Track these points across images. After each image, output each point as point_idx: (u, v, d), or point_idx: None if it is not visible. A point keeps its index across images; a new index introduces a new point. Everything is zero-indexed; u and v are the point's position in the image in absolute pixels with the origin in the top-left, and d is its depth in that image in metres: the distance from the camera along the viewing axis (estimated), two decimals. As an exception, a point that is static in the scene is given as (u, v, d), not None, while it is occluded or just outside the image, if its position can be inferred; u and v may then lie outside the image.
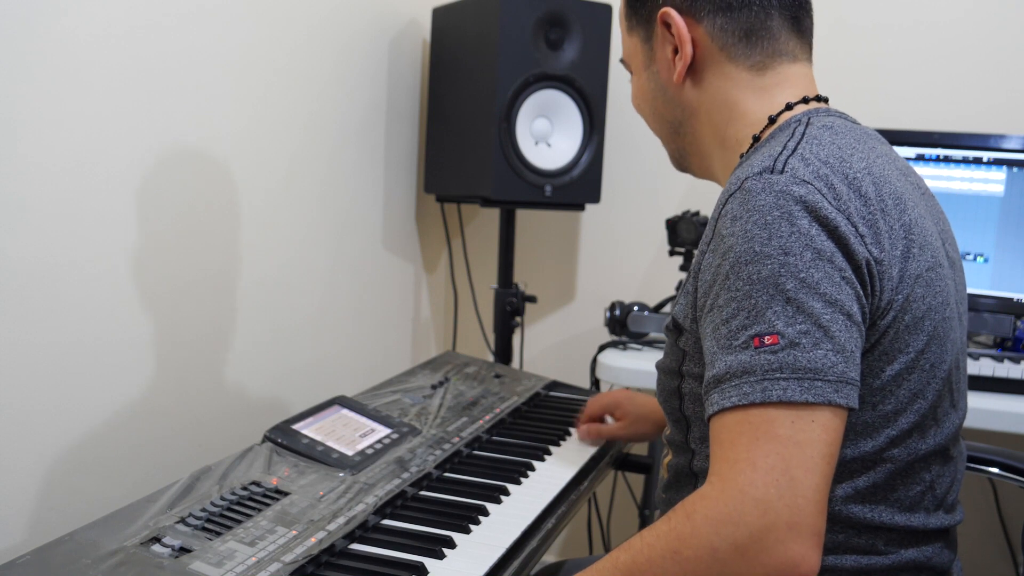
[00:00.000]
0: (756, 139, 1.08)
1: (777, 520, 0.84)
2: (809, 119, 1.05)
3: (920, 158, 2.00)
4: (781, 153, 0.97)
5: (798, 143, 0.99)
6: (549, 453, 1.52)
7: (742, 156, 1.08)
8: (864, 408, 0.98)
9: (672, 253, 2.13)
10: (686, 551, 0.87)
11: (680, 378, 1.09)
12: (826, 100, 1.13)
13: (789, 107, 1.08)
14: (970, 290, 1.93)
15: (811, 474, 0.86)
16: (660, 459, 1.23)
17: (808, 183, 0.93)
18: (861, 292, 0.93)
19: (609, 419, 1.63)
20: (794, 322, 0.89)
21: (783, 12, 1.10)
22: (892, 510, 1.01)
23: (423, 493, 1.33)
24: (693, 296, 1.01)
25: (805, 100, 1.10)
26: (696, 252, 1.02)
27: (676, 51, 1.11)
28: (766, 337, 0.89)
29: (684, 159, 1.22)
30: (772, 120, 1.08)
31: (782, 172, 0.94)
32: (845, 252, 0.92)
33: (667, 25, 1.11)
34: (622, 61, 1.25)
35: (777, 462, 0.86)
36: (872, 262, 0.94)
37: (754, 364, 0.89)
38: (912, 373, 0.99)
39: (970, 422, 1.63)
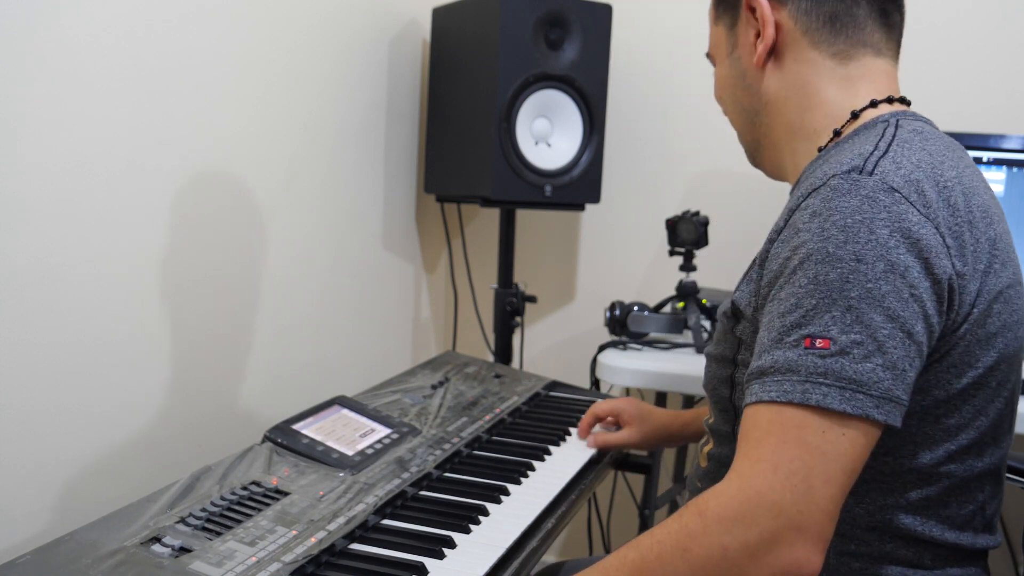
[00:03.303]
0: (837, 133, 1.06)
1: (787, 523, 0.84)
2: (898, 121, 1.02)
3: (920, 158, 2.00)
4: (872, 153, 0.94)
5: (889, 144, 0.96)
6: (549, 453, 1.52)
7: (820, 150, 1.06)
8: (926, 420, 0.96)
9: (672, 253, 2.12)
10: (696, 549, 0.87)
11: (734, 367, 1.07)
12: (909, 103, 1.10)
13: (874, 104, 1.06)
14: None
15: (829, 485, 0.85)
16: (698, 445, 1.22)
17: (896, 191, 0.91)
18: (932, 311, 0.90)
19: (598, 428, 1.61)
20: (850, 331, 0.87)
21: (871, 2, 1.08)
22: (943, 526, 1.00)
23: (423, 493, 1.33)
24: (757, 284, 0.99)
25: (890, 100, 1.07)
26: (764, 242, 1.01)
27: (759, 35, 1.11)
28: (818, 340, 0.88)
29: (758, 152, 1.20)
30: (855, 115, 1.06)
31: (871, 174, 0.92)
32: (925, 266, 0.90)
33: (752, 9, 1.11)
34: (708, 55, 1.24)
35: (799, 468, 0.85)
36: (954, 276, 0.92)
37: (800, 363, 0.88)
38: (980, 390, 0.97)
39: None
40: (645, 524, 2.17)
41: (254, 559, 1.05)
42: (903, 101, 1.09)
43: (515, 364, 2.38)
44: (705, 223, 2.06)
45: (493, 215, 2.52)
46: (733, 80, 1.17)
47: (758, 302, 0.99)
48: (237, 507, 1.16)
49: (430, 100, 2.32)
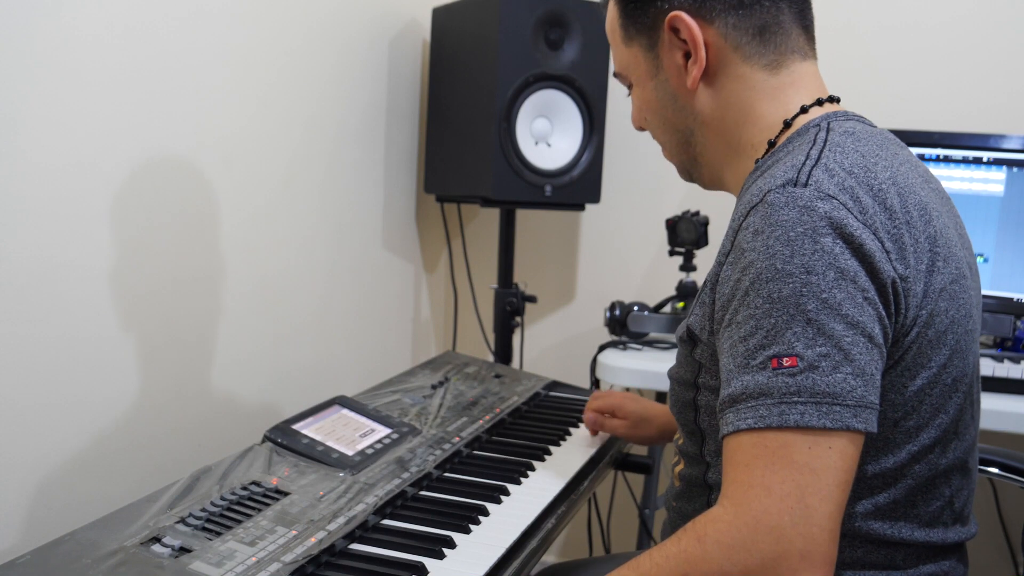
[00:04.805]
0: (772, 144, 1.05)
1: (790, 548, 0.83)
2: (829, 124, 1.01)
3: (920, 158, 2.00)
4: (804, 163, 0.94)
5: (821, 151, 0.96)
6: (549, 453, 1.52)
7: (758, 162, 1.06)
8: (886, 424, 0.96)
9: (672, 253, 2.12)
10: (696, 575, 0.87)
11: (696, 390, 1.07)
12: (838, 100, 1.10)
13: (804, 110, 1.05)
14: (970, 290, 1.94)
15: (825, 502, 0.85)
16: (670, 465, 1.22)
17: (833, 197, 0.90)
18: (883, 313, 0.91)
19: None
20: (814, 344, 0.87)
21: (791, 6, 1.07)
22: (912, 526, 1.00)
23: (423, 493, 1.33)
24: (710, 308, 0.99)
25: (819, 102, 1.06)
26: (713, 263, 1.00)
27: (687, 56, 1.07)
28: (785, 359, 0.88)
29: (694, 170, 1.17)
30: (787, 124, 1.05)
31: (806, 185, 0.91)
32: (869, 271, 0.90)
33: (675, 30, 1.06)
34: (617, 74, 1.18)
35: (792, 489, 0.85)
36: (897, 280, 0.91)
37: (771, 386, 0.88)
38: (935, 388, 0.97)
39: (970, 422, 1.64)
40: (645, 524, 2.17)
41: (254, 559, 1.05)
42: (832, 100, 1.09)
43: (515, 364, 2.38)
44: (705, 223, 2.06)
45: (493, 215, 2.52)
46: (662, 103, 1.13)
47: (713, 326, 0.98)
48: (237, 507, 1.16)
49: (430, 100, 2.32)
